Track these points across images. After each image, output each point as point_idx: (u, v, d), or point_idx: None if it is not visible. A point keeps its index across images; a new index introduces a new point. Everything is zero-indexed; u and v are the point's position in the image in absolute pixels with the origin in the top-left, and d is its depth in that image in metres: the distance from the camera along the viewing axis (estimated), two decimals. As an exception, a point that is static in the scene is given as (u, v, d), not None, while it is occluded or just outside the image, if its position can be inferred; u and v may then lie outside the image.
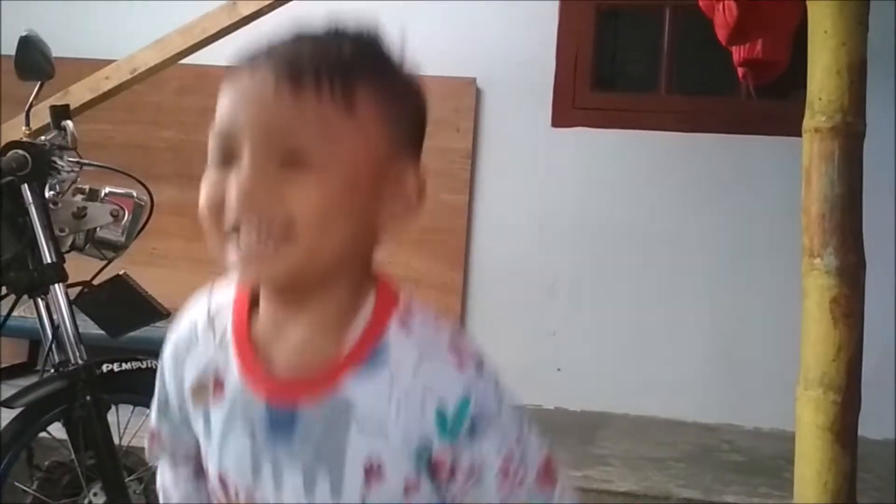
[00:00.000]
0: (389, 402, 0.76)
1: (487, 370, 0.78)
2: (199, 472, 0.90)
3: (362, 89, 0.75)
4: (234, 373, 0.81)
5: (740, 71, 2.39)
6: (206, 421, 0.83)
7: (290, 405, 0.78)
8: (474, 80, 3.36)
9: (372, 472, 0.77)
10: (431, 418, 0.76)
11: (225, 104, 0.76)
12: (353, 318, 0.77)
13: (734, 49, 2.34)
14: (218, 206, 0.74)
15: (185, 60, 2.91)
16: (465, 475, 0.77)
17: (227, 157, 0.74)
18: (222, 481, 0.83)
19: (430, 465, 0.77)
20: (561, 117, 3.34)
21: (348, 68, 0.74)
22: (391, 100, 0.77)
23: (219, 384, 0.82)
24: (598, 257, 3.29)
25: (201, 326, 0.84)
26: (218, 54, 3.21)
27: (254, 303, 0.82)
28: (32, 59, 1.88)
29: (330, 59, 0.74)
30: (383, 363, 0.76)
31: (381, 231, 0.78)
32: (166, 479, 0.94)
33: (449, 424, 0.76)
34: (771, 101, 3.19)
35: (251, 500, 0.81)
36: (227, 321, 0.82)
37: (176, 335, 0.86)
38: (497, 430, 0.78)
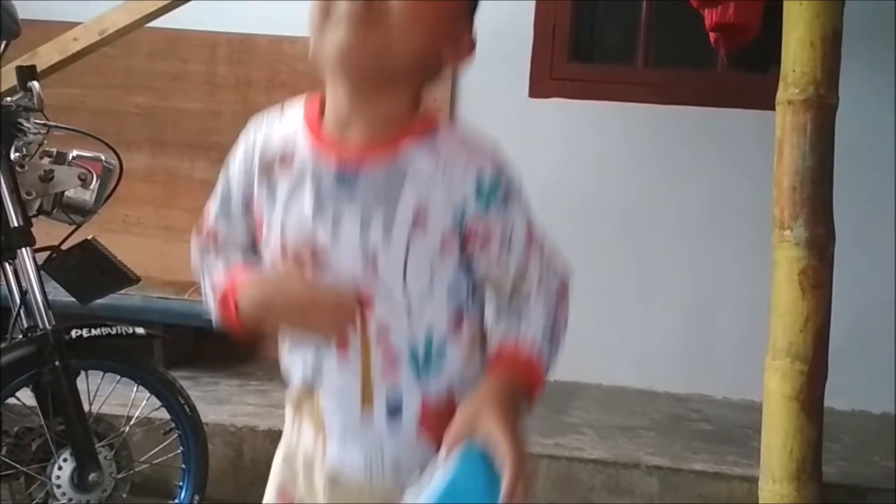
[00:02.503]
0: (437, 165, 0.95)
1: (509, 162, 0.98)
2: (245, 255, 1.05)
3: None
4: (303, 147, 0.98)
5: (712, 36, 2.39)
6: (272, 190, 0.99)
7: (357, 166, 0.95)
8: (451, 49, 3.33)
9: (419, 218, 0.94)
10: (472, 182, 0.95)
11: None
12: (409, 118, 0.97)
13: (706, 13, 2.33)
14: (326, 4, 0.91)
15: (157, 24, 2.86)
16: (498, 243, 0.96)
17: None
18: (283, 248, 0.98)
19: (463, 232, 0.96)
20: (538, 88, 3.33)
21: None
22: None
23: (286, 159, 0.98)
24: (572, 228, 3.28)
25: (275, 118, 1.02)
26: (190, 19, 3.19)
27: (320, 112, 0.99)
28: (-3, 18, 1.84)
29: None
30: (433, 141, 0.96)
31: (438, 64, 0.97)
32: (210, 260, 1.06)
33: (485, 190, 0.95)
34: (747, 74, 3.20)
35: (309, 246, 0.96)
36: (298, 116, 1.00)
37: (251, 132, 1.02)
38: (522, 204, 0.98)
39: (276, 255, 0.99)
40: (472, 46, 1.00)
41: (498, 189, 0.96)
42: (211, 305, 1.05)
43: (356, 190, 0.95)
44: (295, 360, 1.02)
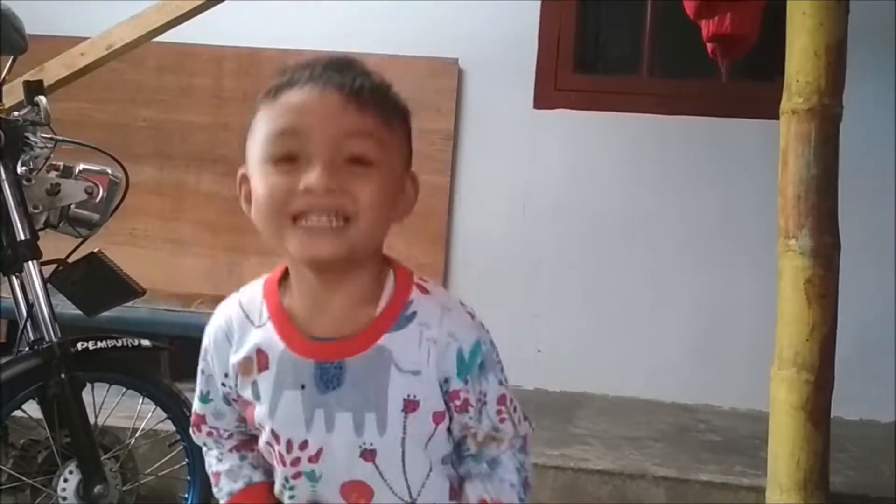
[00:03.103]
0: (420, 346, 0.96)
1: (483, 324, 1.02)
2: (241, 446, 1.10)
3: (395, 114, 0.97)
4: (277, 346, 0.98)
5: (709, 46, 2.39)
6: (255, 388, 1.00)
7: (337, 360, 0.96)
8: (457, 60, 3.35)
9: (409, 405, 0.97)
10: (453, 360, 0.97)
11: (287, 112, 0.93)
12: (381, 290, 0.98)
13: (703, 24, 2.33)
14: (284, 197, 0.92)
15: (165, 39, 2.88)
16: (476, 402, 1.00)
17: (292, 156, 0.92)
18: (275, 436, 0.99)
19: (446, 399, 0.98)
20: (543, 99, 3.34)
21: (388, 96, 0.97)
22: (404, 122, 0.99)
23: (262, 357, 0.99)
24: (579, 239, 3.29)
25: (237, 317, 1.01)
26: (197, 33, 3.21)
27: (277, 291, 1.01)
28: (5, 34, 1.86)
29: (377, 88, 0.96)
30: (412, 318, 0.97)
31: (392, 223, 0.98)
32: (213, 458, 1.11)
33: (466, 364, 0.98)
34: (752, 84, 3.19)
35: (304, 447, 0.98)
36: (260, 307, 1.00)
37: (213, 329, 1.04)
38: (495, 368, 1.01)
39: (273, 445, 1.00)
40: (417, 190, 1.00)
41: (475, 362, 0.99)
42: (216, 495, 1.10)
43: (343, 389, 0.96)
44: None
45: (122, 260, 2.05)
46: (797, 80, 2.03)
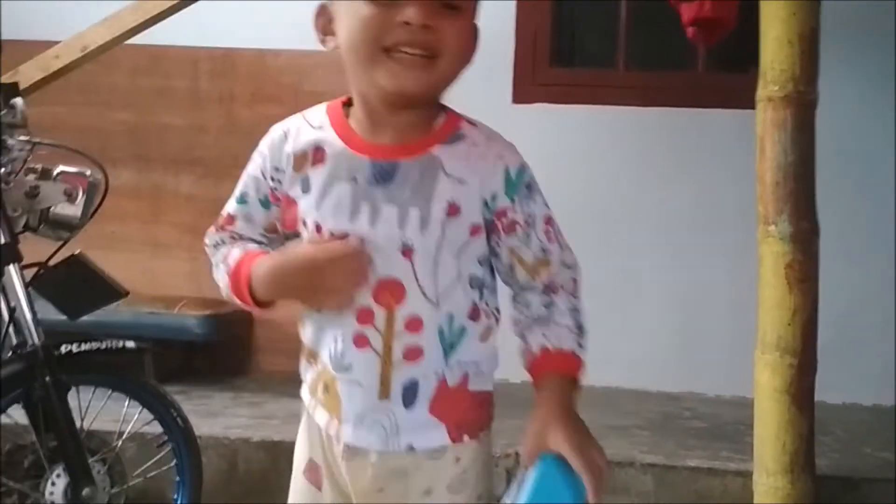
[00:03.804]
0: (468, 160, 1.04)
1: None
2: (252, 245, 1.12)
3: None
4: (335, 144, 1.05)
5: (690, 30, 2.41)
6: (306, 183, 1.06)
7: (392, 160, 1.03)
8: (434, 57, 3.35)
9: (452, 209, 1.03)
10: (500, 177, 1.04)
11: None
12: (435, 118, 1.06)
13: (683, 8, 2.36)
14: (380, 28, 0.98)
15: (139, 41, 2.85)
16: (524, 222, 1.05)
17: None
18: (318, 228, 1.04)
19: (490, 225, 1.05)
20: (522, 94, 3.35)
21: None
22: None
23: (318, 153, 1.05)
24: (560, 232, 3.31)
25: (297, 121, 1.09)
26: (172, 35, 3.19)
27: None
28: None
29: None
30: (461, 139, 1.05)
31: (464, 67, 1.04)
32: (224, 248, 1.13)
33: (512, 183, 1.04)
34: (727, 75, 3.22)
35: (343, 238, 1.02)
36: (322, 118, 1.08)
37: (272, 133, 1.09)
38: (541, 197, 1.08)
39: (313, 238, 1.05)
40: (478, 36, 1.07)
41: (521, 181, 1.05)
42: (222, 284, 1.12)
43: (392, 182, 1.02)
44: (319, 347, 1.07)
45: (102, 264, 2.03)
46: (772, 68, 2.05)
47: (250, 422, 2.60)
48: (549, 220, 1.08)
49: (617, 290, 3.28)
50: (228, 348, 3.30)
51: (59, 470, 1.83)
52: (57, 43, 2.67)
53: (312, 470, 1.11)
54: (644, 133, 3.26)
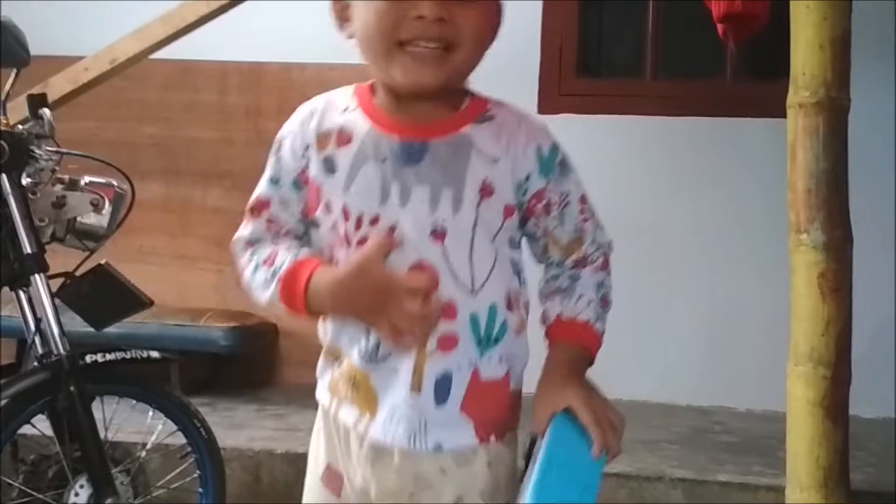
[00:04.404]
0: (499, 140, 1.02)
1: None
2: (296, 241, 1.08)
3: None
4: (362, 124, 1.03)
5: (720, 27, 2.37)
6: (330, 163, 1.03)
7: (422, 139, 1.01)
8: (459, 68, 3.34)
9: (485, 190, 1.00)
10: (533, 156, 1.02)
11: None
12: (461, 102, 1.04)
13: (713, 4, 2.32)
14: (394, 22, 0.97)
15: (169, 55, 2.89)
16: (557, 205, 1.04)
17: None
18: (345, 212, 1.01)
19: (525, 206, 1.03)
20: (547, 104, 3.32)
21: None
22: None
23: (344, 134, 1.03)
24: (587, 244, 3.28)
25: (322, 103, 1.07)
26: (200, 49, 3.22)
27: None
28: (7, 46, 1.86)
29: None
30: (491, 119, 1.03)
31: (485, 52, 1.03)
32: (264, 251, 1.07)
33: (545, 163, 1.03)
34: (756, 83, 3.18)
35: (374, 222, 1.00)
36: (349, 100, 1.05)
37: (300, 114, 1.07)
38: (575, 175, 1.06)
39: (337, 223, 1.02)
40: (501, 15, 1.06)
41: (555, 161, 1.04)
42: (262, 289, 1.06)
43: (422, 162, 1.00)
44: (346, 344, 1.04)
45: (130, 277, 2.03)
46: (803, 74, 2.01)
47: (275, 434, 2.59)
48: (583, 199, 1.06)
49: (646, 301, 3.24)
50: (253, 360, 3.30)
51: (83, 480, 1.83)
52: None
53: (331, 476, 1.08)
54: (672, 143, 3.23)
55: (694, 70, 3.45)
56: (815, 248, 1.98)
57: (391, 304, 0.97)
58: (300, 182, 1.06)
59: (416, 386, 1.01)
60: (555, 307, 1.04)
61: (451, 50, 0.98)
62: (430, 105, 1.02)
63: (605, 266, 1.08)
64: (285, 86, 3.44)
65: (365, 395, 1.03)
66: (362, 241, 1.00)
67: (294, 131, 1.06)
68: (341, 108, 1.05)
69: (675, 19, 3.30)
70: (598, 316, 1.05)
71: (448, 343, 1.00)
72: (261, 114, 3.44)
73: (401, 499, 1.03)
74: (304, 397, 3.23)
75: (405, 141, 1.01)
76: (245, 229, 1.09)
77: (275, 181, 1.07)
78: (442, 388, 1.01)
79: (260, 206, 1.09)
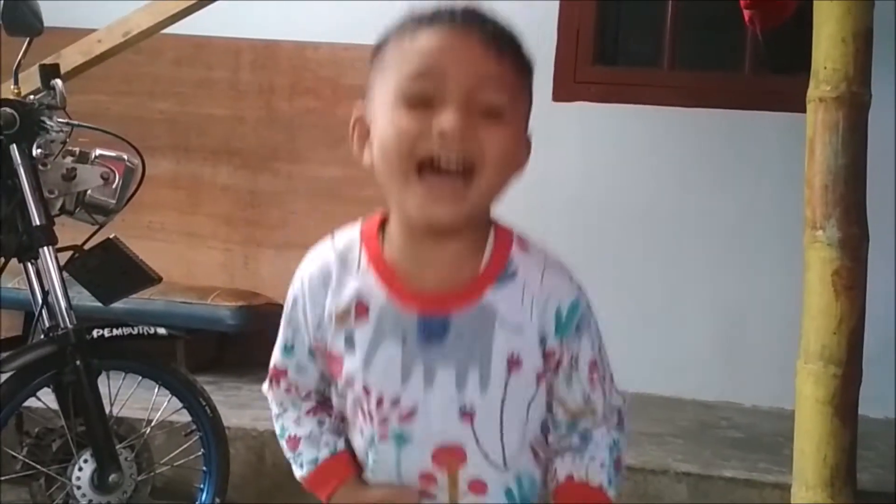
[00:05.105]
0: (523, 304, 0.95)
1: (581, 286, 0.99)
2: (318, 408, 1.05)
3: (527, 67, 0.95)
4: (378, 295, 0.95)
5: (747, 14, 2.34)
6: (349, 340, 0.96)
7: (443, 314, 0.94)
8: (475, 53, 3.31)
9: (513, 363, 0.94)
10: (552, 317, 0.95)
11: (428, 53, 0.90)
12: (484, 246, 0.96)
13: (741, -9, 2.28)
14: (414, 139, 0.89)
15: (182, 30, 2.86)
16: (567, 364, 0.97)
17: (425, 101, 0.89)
18: (366, 391, 0.96)
19: (543, 358, 0.96)
20: (562, 91, 3.29)
21: (523, 47, 0.95)
22: (531, 78, 0.96)
23: (361, 307, 0.95)
24: (598, 234, 3.25)
25: (334, 263, 0.97)
26: (214, 25, 3.20)
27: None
28: (20, 15, 1.84)
29: (515, 38, 0.94)
30: (514, 275, 0.95)
31: (508, 183, 0.95)
32: (289, 422, 1.06)
33: (563, 322, 0.96)
34: (774, 77, 3.14)
35: (396, 404, 0.95)
36: (358, 255, 0.97)
37: (307, 276, 0.99)
38: (591, 331, 0.99)
39: (359, 399, 0.97)
40: (529, 151, 0.98)
41: (573, 320, 0.97)
42: (293, 465, 1.06)
43: (446, 340, 0.94)
44: None
45: (138, 253, 2.03)
46: (825, 68, 1.98)
47: (279, 414, 2.58)
48: (593, 366, 0.99)
49: (656, 294, 3.22)
50: (260, 340, 3.25)
51: (87, 455, 1.84)
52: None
53: None
54: (688, 134, 3.20)
55: (712, 61, 3.41)
56: (831, 244, 1.96)
57: None
58: (314, 351, 1.00)
59: None
60: (565, 467, 1.00)
61: (471, 175, 0.89)
62: (449, 251, 0.94)
63: (620, 424, 1.03)
64: (299, 65, 3.41)
65: None
66: (384, 422, 0.96)
67: (307, 301, 0.98)
68: (353, 268, 0.97)
69: (694, 9, 3.27)
70: (610, 480, 1.00)
71: None
72: (274, 92, 3.42)
73: None
74: (310, 379, 3.23)
75: (425, 316, 0.94)
76: (268, 392, 1.08)
77: (289, 349, 1.02)
78: None
79: (277, 376, 1.05)
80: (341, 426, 1.04)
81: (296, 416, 1.06)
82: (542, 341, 0.96)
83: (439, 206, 0.89)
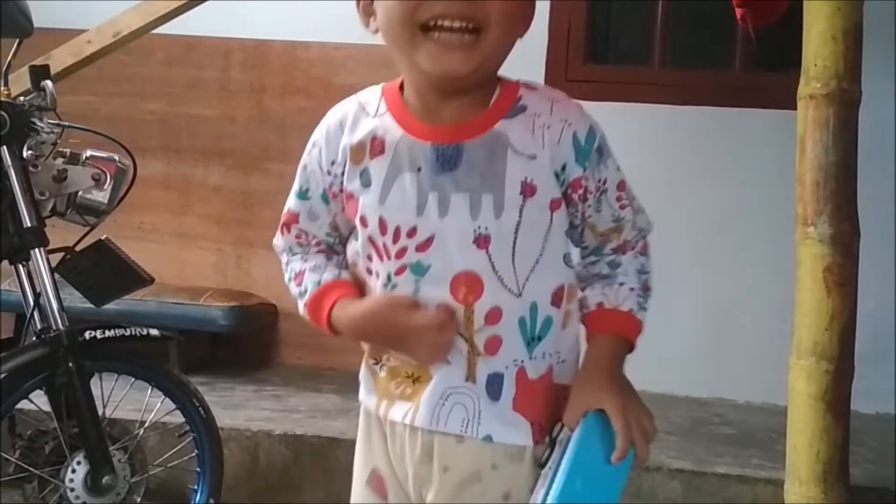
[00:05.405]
0: (534, 134, 0.98)
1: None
2: (327, 250, 1.09)
3: None
4: (394, 132, 1.00)
5: (738, 12, 2.34)
6: (365, 176, 1.01)
7: (455, 142, 0.98)
8: (466, 52, 3.31)
9: (527, 190, 0.97)
10: (569, 144, 0.99)
11: None
12: (493, 94, 1.00)
13: (733, -11, 2.29)
14: (412, 7, 0.93)
15: (173, 31, 2.85)
16: (595, 189, 1.01)
17: None
18: (382, 225, 0.99)
19: (567, 188, 1.00)
20: (553, 90, 3.30)
21: None
22: None
23: (377, 142, 1.00)
24: (590, 232, 3.26)
25: (353, 110, 1.03)
26: (204, 25, 3.19)
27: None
28: (10, 15, 1.83)
29: None
30: (524, 108, 0.99)
31: (517, 38, 0.99)
32: (296, 261, 1.10)
33: (582, 148, 0.99)
34: (765, 74, 3.16)
35: (413, 234, 0.98)
36: (378, 102, 1.02)
37: (327, 122, 1.05)
38: (612, 158, 1.03)
39: (374, 236, 1.00)
40: (532, 17, 1.02)
41: (592, 145, 1.00)
42: (296, 300, 1.09)
43: (458, 167, 0.97)
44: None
45: (130, 254, 2.02)
46: (815, 65, 1.99)
47: (273, 415, 2.58)
48: (621, 185, 1.04)
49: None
50: (252, 340, 3.29)
51: (80, 457, 1.83)
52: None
53: (376, 480, 1.07)
54: (679, 132, 3.21)
55: (703, 59, 3.42)
56: (822, 241, 1.97)
57: (412, 339, 0.98)
58: (328, 196, 1.05)
59: (471, 378, 1.00)
60: (595, 295, 1.04)
61: (479, 33, 0.93)
62: (460, 101, 0.98)
63: (645, 250, 1.07)
64: (289, 64, 3.41)
65: (419, 387, 1.02)
66: (401, 253, 0.99)
67: (320, 146, 1.04)
68: (371, 112, 1.02)
69: (684, 7, 3.27)
70: (640, 304, 1.04)
71: (494, 346, 0.99)
72: (264, 92, 3.42)
73: (450, 492, 1.01)
74: (303, 379, 3.25)
75: (438, 145, 0.98)
76: (278, 241, 1.12)
77: (303, 193, 1.07)
78: (494, 387, 1.00)
79: (289, 221, 1.09)
80: (348, 264, 1.07)
81: (303, 254, 1.09)
82: (561, 171, 0.99)
83: (452, 56, 0.93)
